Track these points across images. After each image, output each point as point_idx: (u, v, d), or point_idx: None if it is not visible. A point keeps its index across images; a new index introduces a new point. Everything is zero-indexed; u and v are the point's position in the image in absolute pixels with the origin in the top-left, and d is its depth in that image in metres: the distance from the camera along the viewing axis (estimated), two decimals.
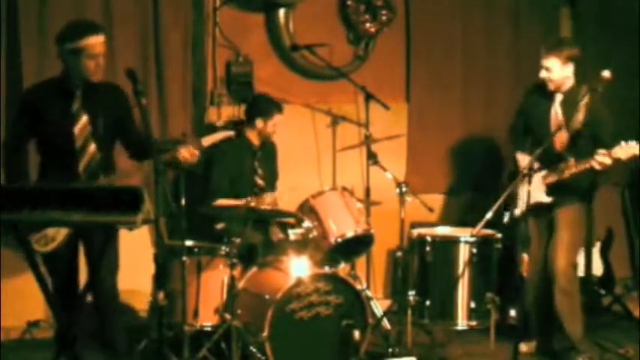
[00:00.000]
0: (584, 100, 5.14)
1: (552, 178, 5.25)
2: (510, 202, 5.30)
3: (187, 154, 4.62)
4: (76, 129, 4.55)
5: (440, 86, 6.90)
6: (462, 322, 5.81)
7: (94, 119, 4.57)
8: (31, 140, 4.63)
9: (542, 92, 5.33)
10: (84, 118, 4.56)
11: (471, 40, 6.95)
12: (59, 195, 3.66)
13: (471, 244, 5.78)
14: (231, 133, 4.95)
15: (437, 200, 6.28)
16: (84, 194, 3.68)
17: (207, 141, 4.77)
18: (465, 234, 5.83)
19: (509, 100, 6.98)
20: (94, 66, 4.52)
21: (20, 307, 5.67)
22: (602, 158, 5.02)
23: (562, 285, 5.28)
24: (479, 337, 5.76)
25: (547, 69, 5.23)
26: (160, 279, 4.83)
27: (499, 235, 5.86)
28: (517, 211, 5.35)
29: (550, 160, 5.23)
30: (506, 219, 5.40)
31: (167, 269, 5.17)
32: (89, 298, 4.53)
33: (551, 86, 5.26)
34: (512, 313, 5.90)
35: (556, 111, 5.27)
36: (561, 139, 5.24)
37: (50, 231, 4.42)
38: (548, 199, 5.29)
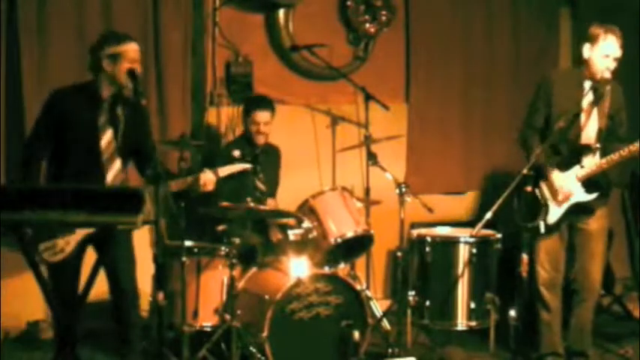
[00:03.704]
0: (609, 92, 4.97)
1: (586, 172, 4.97)
2: (539, 211, 5.05)
3: (207, 182, 4.82)
4: (103, 143, 4.54)
5: (440, 86, 6.91)
6: (461, 323, 5.81)
7: (117, 133, 4.57)
8: (51, 144, 4.54)
9: (574, 83, 5.02)
10: (109, 133, 4.55)
11: (470, 40, 6.96)
12: (60, 196, 3.65)
13: (471, 244, 5.78)
14: (248, 166, 5.10)
15: (437, 200, 6.27)
16: (85, 195, 3.68)
17: (224, 172, 4.95)
18: (464, 234, 5.83)
19: (509, 100, 7.00)
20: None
21: (20, 307, 5.68)
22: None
23: (596, 296, 5.24)
24: (478, 338, 5.76)
25: (616, 59, 4.93)
26: (160, 279, 4.83)
27: (499, 235, 5.86)
28: (550, 219, 5.06)
29: (576, 155, 5.03)
30: (542, 229, 5.05)
31: (167, 270, 5.18)
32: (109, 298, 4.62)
33: (611, 76, 4.94)
34: (512, 313, 5.89)
35: (589, 102, 4.99)
36: (588, 131, 5.02)
37: (60, 242, 4.34)
38: (590, 197, 5.02)
